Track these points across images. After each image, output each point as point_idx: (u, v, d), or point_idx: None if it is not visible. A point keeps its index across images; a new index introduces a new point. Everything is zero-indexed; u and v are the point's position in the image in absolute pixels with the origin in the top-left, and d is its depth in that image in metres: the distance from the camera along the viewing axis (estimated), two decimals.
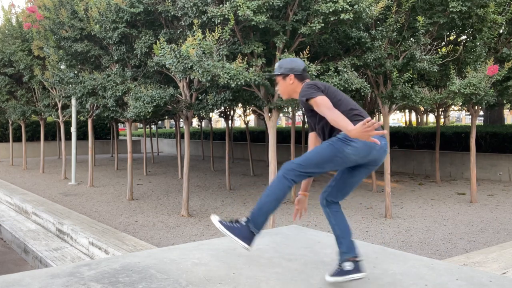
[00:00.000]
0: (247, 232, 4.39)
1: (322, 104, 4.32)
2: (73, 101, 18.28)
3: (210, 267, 5.15)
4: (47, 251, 9.81)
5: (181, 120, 22.43)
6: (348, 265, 4.41)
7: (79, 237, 9.83)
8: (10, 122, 27.93)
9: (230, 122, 20.98)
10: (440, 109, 19.62)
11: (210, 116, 26.11)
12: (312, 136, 4.97)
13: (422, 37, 10.96)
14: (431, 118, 52.01)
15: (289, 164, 4.36)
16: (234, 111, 21.71)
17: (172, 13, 10.46)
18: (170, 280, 4.71)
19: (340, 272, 4.40)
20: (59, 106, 20.38)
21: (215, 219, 4.40)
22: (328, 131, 4.56)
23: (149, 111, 11.24)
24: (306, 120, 4.88)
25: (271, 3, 9.01)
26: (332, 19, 9.09)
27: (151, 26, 12.36)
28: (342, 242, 4.53)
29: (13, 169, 25.08)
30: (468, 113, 16.24)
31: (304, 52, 9.42)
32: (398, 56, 11.26)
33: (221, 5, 9.15)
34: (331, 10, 8.91)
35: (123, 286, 4.54)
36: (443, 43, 12.88)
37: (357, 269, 4.37)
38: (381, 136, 4.37)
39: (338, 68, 10.14)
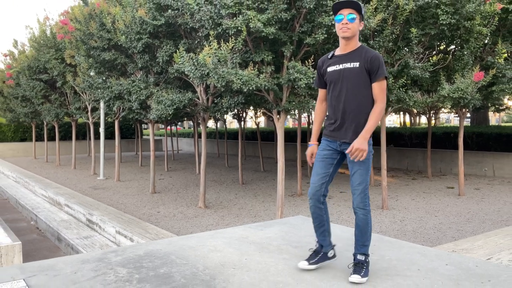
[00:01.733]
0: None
1: (385, 91, 4.24)
2: (102, 104, 18.34)
3: (224, 253, 5.16)
4: (78, 239, 9.84)
5: (198, 121, 22.47)
6: (332, 252, 4.57)
7: (107, 226, 9.85)
8: (45, 123, 28.06)
9: (242, 123, 20.97)
10: (431, 112, 19.53)
11: (225, 117, 26.09)
12: (323, 107, 4.67)
13: (415, 47, 10.94)
14: (423, 119, 51.86)
15: (362, 200, 4.26)
16: (246, 113, 21.70)
17: (191, 25, 10.47)
18: (189, 265, 4.73)
19: (325, 258, 4.54)
20: (89, 108, 20.43)
21: (358, 279, 4.23)
22: (360, 104, 4.29)
23: (170, 113, 11.26)
24: (329, 85, 4.45)
25: (279, 16, 9.01)
26: (334, 30, 9.09)
27: (171, 37, 12.38)
28: (327, 234, 4.54)
29: (47, 166, 25.15)
30: (457, 115, 16.21)
31: (309, 60, 9.42)
32: (394, 63, 11.25)
33: (234, 18, 9.16)
34: (333, 23, 8.91)
35: (146, 271, 4.56)
36: (434, 52, 12.86)
37: (335, 255, 4.61)
38: None
39: None
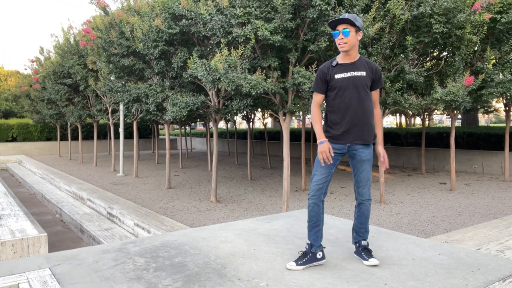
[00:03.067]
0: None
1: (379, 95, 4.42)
2: (121, 107, 18.37)
3: (234, 244, 5.17)
4: (100, 231, 9.87)
5: (210, 122, 22.48)
6: (320, 254, 4.50)
7: (126, 219, 9.87)
8: (69, 124, 28.15)
9: (251, 123, 20.98)
10: (425, 113, 19.50)
11: (235, 119, 26.08)
12: (319, 101, 4.61)
13: (410, 54, 10.92)
14: (418, 120, 51.75)
15: (369, 192, 4.46)
16: (255, 114, 21.70)
17: (203, 33, 10.48)
18: (201, 255, 4.74)
19: (313, 259, 4.45)
20: (109, 110, 20.47)
21: (377, 261, 4.40)
22: (369, 108, 4.44)
23: (184, 114, 11.27)
24: (337, 91, 4.45)
25: (285, 25, 9.01)
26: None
27: (185, 44, 12.40)
28: (320, 235, 4.49)
29: (71, 163, 25.22)
30: (449, 116, 16.19)
31: (313, 65, 9.41)
32: (391, 69, 11.23)
33: (243, 27, 9.16)
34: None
35: (162, 260, 4.57)
36: (428, 58, 12.83)
37: (324, 256, 4.53)
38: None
39: None
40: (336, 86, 4.45)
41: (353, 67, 4.43)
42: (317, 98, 4.60)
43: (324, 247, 4.62)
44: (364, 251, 4.48)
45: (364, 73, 4.41)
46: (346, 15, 4.34)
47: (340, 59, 4.51)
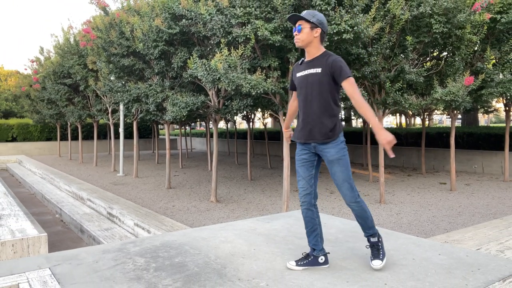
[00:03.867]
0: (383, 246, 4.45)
1: (356, 85, 4.12)
2: (121, 107, 18.37)
3: (234, 244, 5.17)
4: (100, 230, 9.87)
5: (210, 122, 22.48)
6: (323, 258, 4.41)
7: (126, 219, 9.87)
8: (69, 124, 28.16)
9: (251, 123, 20.99)
10: (425, 113, 19.50)
11: (235, 119, 26.08)
12: (295, 104, 4.69)
13: (410, 54, 10.92)
14: (418, 120, 51.76)
15: (352, 194, 4.22)
16: (255, 114, 21.70)
17: (203, 33, 10.48)
18: (201, 255, 4.74)
19: (314, 262, 4.38)
20: (109, 110, 20.47)
21: (380, 265, 4.25)
22: (323, 106, 4.24)
23: (184, 114, 11.27)
24: (297, 90, 4.44)
25: (285, 25, 9.01)
26: (335, 38, 9.08)
27: (185, 44, 12.40)
28: (320, 239, 4.41)
29: (71, 163, 25.22)
30: (449, 116, 16.19)
31: None
32: (391, 69, 11.23)
33: (243, 27, 9.16)
34: (335, 31, 8.90)
35: (162, 260, 4.57)
36: (428, 58, 12.84)
37: (326, 261, 4.43)
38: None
39: None
40: (297, 84, 4.44)
41: (310, 65, 4.33)
42: (293, 96, 4.73)
43: (328, 253, 4.52)
44: (372, 249, 4.35)
45: (319, 70, 4.24)
46: (304, 12, 4.29)
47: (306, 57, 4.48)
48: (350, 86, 4.12)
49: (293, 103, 4.70)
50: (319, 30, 4.27)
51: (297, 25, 4.28)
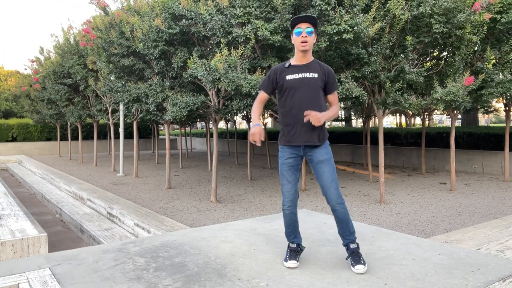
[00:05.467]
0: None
1: (337, 98, 4.40)
2: (121, 107, 18.37)
3: (234, 244, 5.18)
4: (100, 231, 9.87)
5: (210, 122, 22.48)
6: (304, 247, 4.68)
7: (126, 219, 9.88)
8: (69, 124, 28.17)
9: (251, 124, 20.97)
10: (425, 113, 19.49)
11: (235, 119, 26.10)
12: (262, 106, 4.63)
13: (410, 53, 10.93)
14: (418, 120, 51.80)
15: (339, 194, 4.29)
16: None
17: (203, 33, 10.49)
18: (201, 255, 4.74)
19: (299, 251, 4.57)
20: (109, 110, 20.47)
21: (363, 269, 4.24)
22: (320, 110, 4.33)
23: (184, 114, 11.28)
24: (285, 92, 4.44)
25: (285, 25, 9.02)
26: (335, 38, 9.09)
27: (185, 44, 12.40)
28: (298, 234, 4.57)
29: (71, 163, 25.22)
30: (449, 116, 16.19)
31: None
32: (391, 69, 11.23)
33: (243, 27, 9.17)
34: (335, 31, 8.91)
35: (162, 260, 4.57)
36: (428, 58, 12.84)
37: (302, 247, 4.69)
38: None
39: (341, 79, 10.13)
40: (287, 87, 4.41)
41: (305, 69, 4.38)
42: (262, 96, 4.62)
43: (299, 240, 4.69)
44: (352, 256, 4.34)
45: (316, 75, 4.35)
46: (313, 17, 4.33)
47: (293, 60, 4.49)
48: (335, 98, 4.50)
49: (261, 105, 4.60)
50: (315, 37, 4.42)
51: (306, 27, 4.30)
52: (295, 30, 4.34)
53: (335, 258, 4.66)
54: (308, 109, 4.32)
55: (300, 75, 4.37)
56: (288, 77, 4.40)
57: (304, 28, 4.28)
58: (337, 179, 4.33)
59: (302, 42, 4.30)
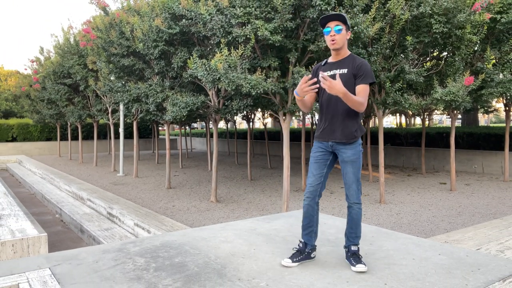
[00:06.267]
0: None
1: (366, 94, 4.25)
2: (121, 107, 18.37)
3: (234, 244, 5.17)
4: (100, 230, 9.87)
5: (210, 122, 22.48)
6: (315, 254, 4.60)
7: (126, 219, 9.87)
8: (69, 124, 28.19)
9: (251, 123, 21.00)
10: (425, 113, 19.51)
11: (235, 119, 26.08)
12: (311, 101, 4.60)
13: (410, 54, 10.92)
14: (418, 120, 51.78)
15: (358, 195, 4.32)
16: (255, 114, 21.70)
17: (203, 33, 10.48)
18: (201, 255, 4.74)
19: (307, 257, 4.53)
20: (109, 110, 20.47)
21: (364, 268, 4.22)
22: (348, 108, 4.28)
23: (184, 114, 11.28)
24: (320, 90, 4.45)
25: (285, 25, 9.02)
26: None
27: (185, 44, 12.40)
28: (314, 236, 4.54)
29: (71, 163, 25.22)
30: (449, 116, 16.18)
31: (313, 65, 9.42)
32: (391, 69, 11.23)
33: (243, 27, 9.16)
34: None
35: (162, 260, 4.57)
36: (428, 58, 12.84)
37: (315, 256, 4.63)
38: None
39: None
40: (320, 84, 4.41)
41: (337, 65, 4.39)
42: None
43: (316, 246, 4.67)
44: (353, 257, 4.37)
45: (345, 70, 4.32)
46: (343, 14, 4.30)
47: (330, 58, 4.50)
48: (362, 90, 4.24)
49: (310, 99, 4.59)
50: (350, 33, 4.43)
51: (334, 25, 4.30)
52: (325, 30, 4.36)
53: (335, 258, 4.66)
54: (335, 107, 4.34)
55: (331, 72, 4.38)
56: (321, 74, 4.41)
57: (332, 26, 4.29)
58: (360, 180, 4.35)
59: (332, 41, 4.32)
